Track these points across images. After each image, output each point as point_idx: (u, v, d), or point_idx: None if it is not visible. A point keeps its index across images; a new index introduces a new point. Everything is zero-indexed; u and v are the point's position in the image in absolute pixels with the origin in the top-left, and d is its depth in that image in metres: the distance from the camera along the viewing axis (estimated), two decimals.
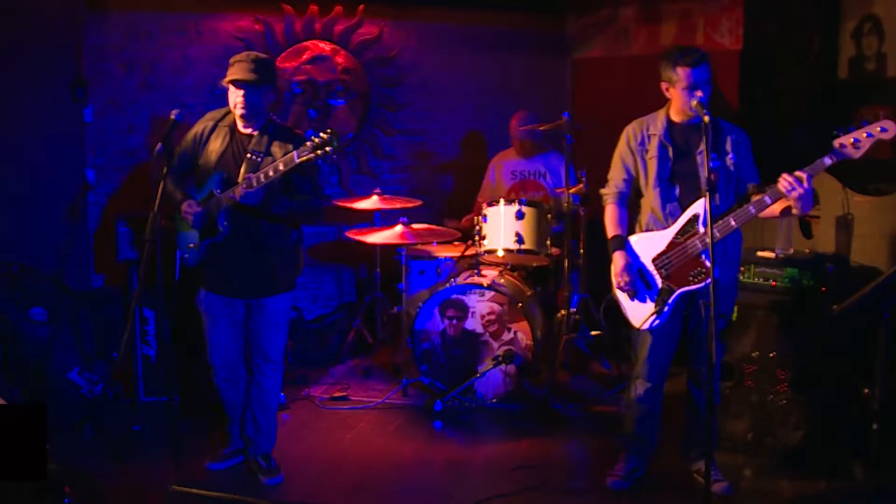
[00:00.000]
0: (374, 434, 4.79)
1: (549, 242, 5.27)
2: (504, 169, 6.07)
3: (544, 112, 5.92)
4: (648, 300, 3.85)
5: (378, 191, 5.79)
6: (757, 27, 5.65)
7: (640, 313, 3.87)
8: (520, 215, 5.18)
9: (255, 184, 3.70)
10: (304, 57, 6.11)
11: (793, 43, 5.60)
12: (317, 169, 3.99)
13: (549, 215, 5.31)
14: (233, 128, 3.94)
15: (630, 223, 3.98)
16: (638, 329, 3.90)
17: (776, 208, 3.59)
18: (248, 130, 3.91)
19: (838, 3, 5.40)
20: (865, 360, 3.86)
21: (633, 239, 3.91)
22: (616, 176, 3.98)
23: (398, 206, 5.74)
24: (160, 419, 4.75)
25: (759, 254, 4.46)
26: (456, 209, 6.46)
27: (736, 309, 4.36)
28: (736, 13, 5.70)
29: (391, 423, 4.94)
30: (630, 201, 4.00)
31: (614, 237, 3.93)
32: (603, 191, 4.05)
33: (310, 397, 5.30)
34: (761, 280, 4.39)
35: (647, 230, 3.89)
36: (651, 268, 3.84)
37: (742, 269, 4.42)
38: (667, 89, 3.77)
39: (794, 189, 3.44)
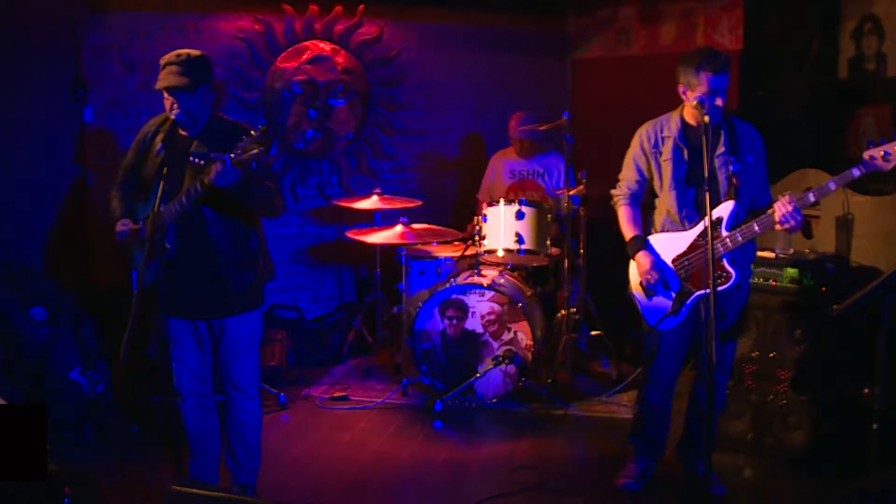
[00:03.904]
0: (374, 434, 4.79)
1: (549, 242, 5.27)
2: (504, 168, 6.07)
3: (544, 112, 5.92)
4: (666, 300, 3.84)
5: (378, 191, 5.79)
6: (757, 27, 5.65)
7: (656, 313, 3.86)
8: (520, 215, 5.18)
9: (193, 194, 3.36)
10: (304, 57, 6.11)
11: (793, 43, 5.60)
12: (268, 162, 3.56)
13: (549, 216, 5.31)
14: (173, 132, 3.60)
15: (645, 224, 3.95)
16: (652, 328, 3.89)
17: None
18: (190, 133, 3.57)
19: (838, 3, 5.40)
20: (865, 360, 3.85)
21: (652, 239, 3.89)
22: (628, 177, 3.95)
23: (398, 206, 5.75)
24: (160, 419, 4.75)
25: (759, 254, 4.45)
26: (455, 209, 6.47)
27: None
28: (736, 13, 5.69)
29: (391, 423, 4.94)
30: (642, 202, 3.98)
31: (634, 237, 3.89)
32: (614, 191, 4.01)
33: (310, 397, 5.31)
34: (761, 280, 4.38)
35: (663, 231, 3.88)
36: (671, 268, 3.83)
37: None
38: (683, 92, 3.72)
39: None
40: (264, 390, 5.08)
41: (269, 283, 3.84)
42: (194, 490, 2.82)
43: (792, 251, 4.48)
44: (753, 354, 4.37)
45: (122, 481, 4.16)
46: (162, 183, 3.35)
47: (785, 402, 4.28)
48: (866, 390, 3.66)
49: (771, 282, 4.36)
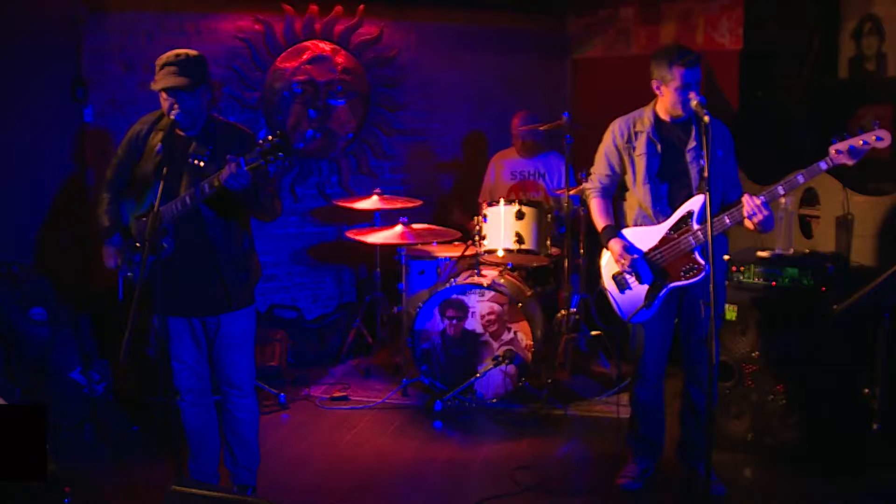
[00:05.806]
0: (374, 434, 4.79)
1: (549, 242, 5.27)
2: (504, 168, 6.07)
3: (544, 112, 5.93)
4: (638, 293, 3.86)
5: (378, 191, 5.79)
6: (757, 27, 5.65)
7: (629, 306, 3.89)
8: (520, 215, 5.18)
9: (199, 195, 3.37)
10: (304, 57, 6.11)
11: (793, 43, 5.61)
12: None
13: (550, 216, 5.31)
14: (170, 132, 3.58)
15: (616, 219, 3.99)
16: (625, 322, 3.93)
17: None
18: (188, 133, 3.57)
19: (838, 3, 5.40)
20: (865, 360, 3.86)
21: (625, 232, 3.92)
22: (600, 171, 4.00)
23: (398, 206, 5.75)
24: (160, 419, 4.75)
25: (759, 254, 4.46)
26: (455, 209, 6.47)
27: (736, 309, 4.37)
28: (736, 13, 5.70)
29: (391, 423, 4.94)
30: (614, 196, 4.02)
31: (607, 226, 3.94)
32: (586, 185, 4.10)
33: (310, 397, 5.31)
34: (761, 280, 4.39)
35: (636, 226, 3.91)
36: (643, 261, 3.85)
37: (742, 268, 4.43)
38: (657, 87, 3.78)
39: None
40: (265, 390, 5.09)
41: (258, 283, 3.86)
42: (194, 490, 2.82)
43: (792, 251, 4.49)
44: (753, 354, 4.37)
45: (122, 481, 4.16)
46: (162, 183, 3.35)
47: (785, 402, 4.28)
48: (866, 390, 3.67)
49: (771, 282, 4.36)
